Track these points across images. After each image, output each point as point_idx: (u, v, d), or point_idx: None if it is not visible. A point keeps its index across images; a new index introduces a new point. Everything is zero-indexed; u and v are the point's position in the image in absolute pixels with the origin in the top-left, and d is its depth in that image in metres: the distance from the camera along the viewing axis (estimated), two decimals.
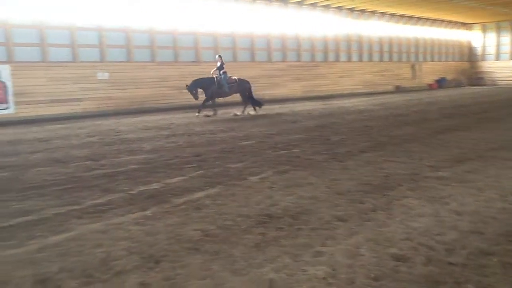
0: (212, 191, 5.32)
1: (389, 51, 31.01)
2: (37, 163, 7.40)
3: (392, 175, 5.85)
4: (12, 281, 3.06)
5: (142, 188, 5.53)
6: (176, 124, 12.68)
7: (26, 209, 4.74)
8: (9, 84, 14.98)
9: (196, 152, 8.00)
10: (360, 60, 29.03)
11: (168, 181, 5.86)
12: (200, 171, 6.41)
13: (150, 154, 7.90)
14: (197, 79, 15.20)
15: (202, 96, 15.35)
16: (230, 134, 10.31)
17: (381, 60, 30.44)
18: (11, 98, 14.99)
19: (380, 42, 30.15)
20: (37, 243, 3.78)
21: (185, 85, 15.20)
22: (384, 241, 3.59)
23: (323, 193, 5.08)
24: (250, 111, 15.41)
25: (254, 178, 5.89)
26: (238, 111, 15.24)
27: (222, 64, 15.35)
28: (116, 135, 10.61)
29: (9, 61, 15.22)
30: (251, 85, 15.79)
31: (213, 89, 15.08)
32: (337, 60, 27.38)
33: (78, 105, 16.46)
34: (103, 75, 17.19)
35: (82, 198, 5.14)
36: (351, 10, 27.28)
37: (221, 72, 15.24)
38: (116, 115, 15.90)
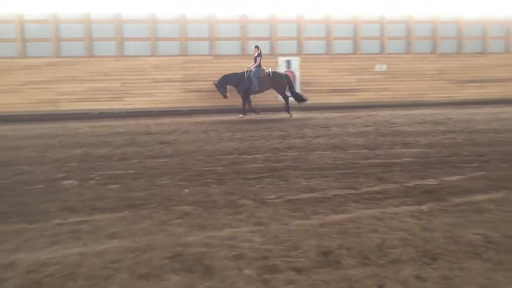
0: (496, 195, 4.85)
1: None
2: (318, 146, 8.11)
3: None
4: (300, 248, 3.48)
5: (418, 182, 5.45)
6: (455, 120, 11.92)
7: (311, 186, 5.30)
8: (297, 74, 16.78)
9: (477, 151, 7.39)
10: None
11: (446, 178, 5.61)
12: (482, 172, 5.90)
13: (426, 149, 7.68)
14: (226, 75, 13.91)
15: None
16: None
17: None
18: (298, 87, 16.76)
19: None
20: (320, 218, 4.18)
21: (212, 83, 14.20)
22: None
23: None
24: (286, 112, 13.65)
25: None
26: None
27: (257, 56, 13.73)
28: (390, 127, 10.68)
29: (299, 53, 17.01)
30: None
31: (243, 85, 13.59)
32: None
33: (355, 95, 17.20)
34: (380, 67, 17.45)
35: (359, 184, 5.41)
36: None
37: (255, 65, 13.71)
38: (391, 106, 15.97)
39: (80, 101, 15.25)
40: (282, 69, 16.53)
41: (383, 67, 17.39)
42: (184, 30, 16.13)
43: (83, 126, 12.08)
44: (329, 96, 16.94)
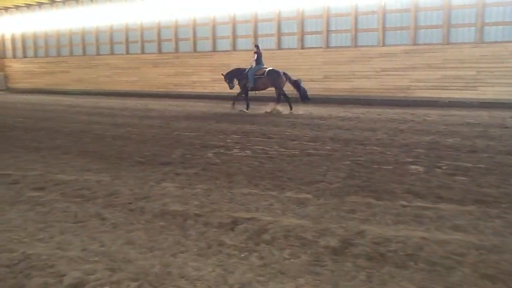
0: None
1: None
2: None
3: None
4: None
5: None
6: None
7: None
8: None
9: None
10: None
11: None
12: None
13: None
14: (233, 69, 14.20)
15: None
16: None
17: None
18: None
19: None
20: None
21: (221, 73, 14.43)
22: None
23: None
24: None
25: None
26: (269, 108, 13.14)
27: (255, 53, 13.59)
28: None
29: None
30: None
31: (243, 81, 13.76)
32: None
33: None
34: None
35: None
36: None
37: (253, 60, 13.68)
38: None
39: (431, 89, 15.27)
40: None
41: None
42: None
43: (432, 113, 12.06)
44: None
